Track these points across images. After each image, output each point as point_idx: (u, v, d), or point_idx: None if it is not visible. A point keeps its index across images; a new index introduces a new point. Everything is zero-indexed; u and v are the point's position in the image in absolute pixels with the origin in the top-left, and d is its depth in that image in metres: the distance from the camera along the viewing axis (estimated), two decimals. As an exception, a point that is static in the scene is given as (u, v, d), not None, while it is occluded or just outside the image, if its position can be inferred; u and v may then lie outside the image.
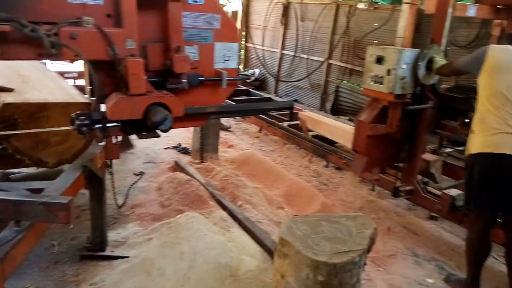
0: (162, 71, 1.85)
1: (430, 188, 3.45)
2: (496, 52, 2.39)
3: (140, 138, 1.86)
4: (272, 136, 5.81)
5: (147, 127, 1.79)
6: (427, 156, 3.71)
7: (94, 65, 1.67)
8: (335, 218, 2.28)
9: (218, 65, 2.02)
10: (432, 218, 3.62)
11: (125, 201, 3.53)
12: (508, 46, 2.45)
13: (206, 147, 4.50)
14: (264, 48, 9.02)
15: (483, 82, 2.41)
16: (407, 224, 3.48)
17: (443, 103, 3.21)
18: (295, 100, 8.15)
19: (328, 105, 7.54)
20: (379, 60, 3.10)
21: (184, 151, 4.95)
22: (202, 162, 4.46)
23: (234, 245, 2.87)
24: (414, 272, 2.85)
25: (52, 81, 2.83)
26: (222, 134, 5.36)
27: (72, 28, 1.58)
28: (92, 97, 1.84)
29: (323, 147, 4.67)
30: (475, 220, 2.56)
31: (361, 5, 6.28)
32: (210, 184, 3.81)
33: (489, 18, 3.99)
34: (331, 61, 7.43)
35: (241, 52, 9.87)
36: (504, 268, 2.91)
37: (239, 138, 5.83)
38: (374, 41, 6.14)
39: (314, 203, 3.80)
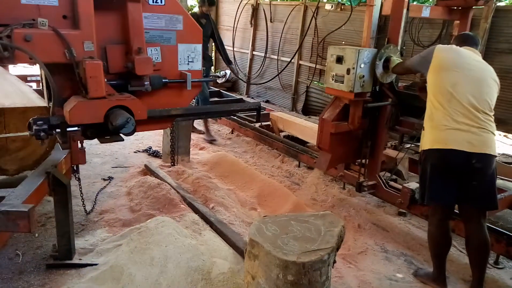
0: (123, 74, 1.81)
1: (391, 182, 3.58)
2: (441, 52, 2.51)
3: (102, 142, 1.82)
4: (244, 137, 5.81)
5: (109, 131, 1.75)
6: (393, 153, 3.81)
7: (51, 68, 1.62)
8: (305, 217, 2.29)
9: (183, 67, 2.00)
10: (400, 214, 3.70)
11: (93, 207, 3.44)
12: (453, 46, 2.59)
13: (177, 150, 4.44)
14: (235, 49, 9.01)
15: (431, 81, 2.51)
16: (377, 221, 3.54)
17: (401, 101, 3.33)
18: (267, 101, 8.19)
19: (299, 105, 7.61)
20: (339, 59, 3.19)
21: (155, 154, 4.88)
22: (173, 165, 4.41)
23: (206, 248, 2.84)
24: (384, 268, 2.91)
25: (11, 85, 2.71)
26: (194, 136, 5.32)
27: (25, 30, 1.53)
28: (49, 101, 1.78)
29: (294, 147, 4.71)
30: (432, 213, 2.66)
31: (328, 6, 6.37)
32: (181, 187, 3.76)
33: (443, 19, 4.15)
34: (301, 62, 7.50)
35: (212, 53, 9.83)
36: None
37: (211, 140, 5.80)
38: (342, 42, 6.24)
39: (286, 203, 3.81)
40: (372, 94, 3.36)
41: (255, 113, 2.42)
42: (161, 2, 1.83)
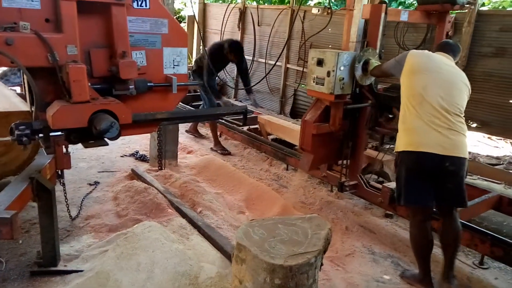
0: (108, 77, 1.80)
1: (372, 182, 3.66)
2: (413, 56, 2.60)
3: (86, 147, 1.79)
4: (232, 141, 5.80)
5: (93, 135, 1.73)
6: (374, 153, 3.85)
7: (34, 72, 1.60)
8: (292, 220, 2.29)
9: (168, 71, 2.00)
10: (387, 216, 3.73)
11: (78, 213, 3.39)
12: (425, 51, 2.68)
13: (164, 154, 4.41)
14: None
15: (404, 84, 2.59)
16: (364, 223, 3.56)
17: (380, 102, 3.40)
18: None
19: (287, 108, 7.63)
20: (320, 62, 3.25)
21: (142, 158, 4.83)
22: (160, 169, 4.37)
23: (194, 253, 2.82)
24: (371, 270, 2.92)
25: None
26: (181, 139, 5.29)
27: (6, 33, 1.51)
28: (32, 105, 1.75)
29: (282, 150, 4.71)
30: (413, 215, 2.71)
31: (315, 10, 6.41)
32: (168, 192, 3.73)
33: (422, 22, 4.22)
34: (288, 65, 7.53)
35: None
36: (460, 264, 3.06)
37: (199, 144, 5.77)
38: (329, 45, 6.28)
39: (274, 206, 3.81)
40: (353, 96, 3.44)
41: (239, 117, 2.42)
42: (146, 6, 1.82)
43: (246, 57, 8.32)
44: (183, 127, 6.10)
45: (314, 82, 3.33)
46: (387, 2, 3.54)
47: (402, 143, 2.57)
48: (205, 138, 5.97)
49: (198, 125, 6.12)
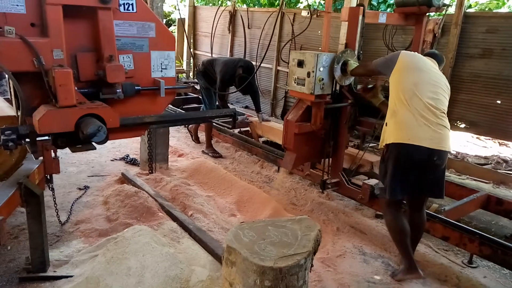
0: (95, 81, 1.79)
1: (354, 180, 3.75)
2: (405, 56, 2.72)
3: (73, 151, 1.78)
4: (223, 143, 5.80)
5: (80, 139, 1.72)
6: (355, 151, 3.96)
7: (20, 76, 1.59)
8: (282, 222, 2.29)
9: (156, 74, 1.99)
10: (377, 216, 3.75)
11: (68, 217, 3.36)
12: (416, 53, 2.84)
13: (155, 157, 4.40)
14: (213, 55, 9.01)
15: (394, 80, 2.70)
16: (355, 224, 3.58)
17: (359, 102, 3.49)
18: (246, 107, 8.20)
19: (278, 110, 7.65)
20: (300, 63, 3.33)
21: (132, 162, 4.81)
22: (151, 173, 4.36)
23: (185, 256, 2.82)
24: (362, 270, 2.93)
25: None
26: (172, 142, 5.27)
27: (-9, 38, 1.49)
28: (18, 110, 1.74)
29: (274, 152, 4.71)
30: (388, 205, 2.83)
31: (304, 13, 6.45)
32: (159, 195, 3.72)
33: (399, 24, 4.35)
34: (279, 68, 7.55)
35: (190, 60, 9.81)
36: (444, 260, 3.10)
37: (190, 147, 5.76)
38: (319, 48, 6.32)
39: (266, 208, 3.81)
40: (333, 96, 3.53)
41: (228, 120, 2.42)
42: (133, 10, 1.82)
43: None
44: (173, 130, 6.08)
45: (295, 82, 3.41)
46: (376, 4, 3.62)
47: (392, 135, 2.65)
48: (199, 143, 5.90)
49: (199, 130, 6.02)
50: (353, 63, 3.32)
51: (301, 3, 10.13)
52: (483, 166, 5.24)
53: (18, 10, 1.58)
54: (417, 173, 2.65)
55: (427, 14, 3.81)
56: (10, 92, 1.87)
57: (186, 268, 2.63)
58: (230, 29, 8.45)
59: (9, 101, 2.82)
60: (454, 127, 5.24)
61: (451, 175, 4.99)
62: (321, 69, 3.26)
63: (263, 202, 3.91)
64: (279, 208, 3.78)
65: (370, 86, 3.23)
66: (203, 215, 3.50)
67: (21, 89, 1.59)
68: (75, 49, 1.73)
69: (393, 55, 2.79)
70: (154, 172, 4.38)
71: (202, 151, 5.50)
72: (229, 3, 9.15)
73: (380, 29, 5.49)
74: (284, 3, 7.63)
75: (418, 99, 2.57)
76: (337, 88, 3.54)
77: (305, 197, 4.16)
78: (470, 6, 8.26)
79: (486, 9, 8.25)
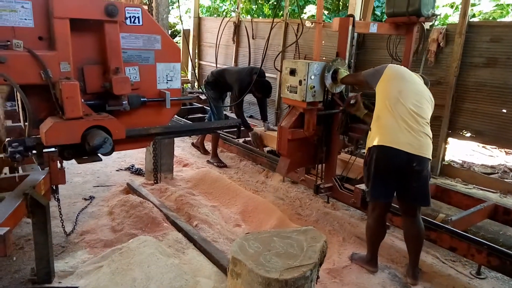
0: (101, 93, 1.81)
1: (347, 185, 3.86)
2: (392, 68, 2.88)
3: (79, 162, 1.79)
4: (228, 153, 5.81)
5: (87, 151, 1.73)
6: (347, 157, 4.07)
7: (27, 89, 1.60)
8: (287, 233, 2.28)
9: (161, 86, 2.01)
10: (384, 226, 3.72)
11: (73, 228, 3.37)
12: (402, 66, 3.01)
13: (160, 167, 4.41)
14: (218, 65, 9.06)
15: (381, 89, 2.83)
16: (360, 234, 3.55)
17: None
18: (250, 116, 8.22)
19: (283, 120, 7.65)
20: (292, 72, 3.47)
21: (138, 172, 4.82)
22: (156, 183, 4.36)
23: (189, 267, 2.81)
24: (368, 282, 2.90)
25: None
26: (177, 152, 5.29)
27: (-1, 51, 1.52)
28: (25, 122, 1.75)
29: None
30: (373, 209, 2.94)
31: (308, 24, 6.50)
32: (164, 205, 3.72)
33: (391, 34, 4.57)
34: (284, 77, 7.57)
35: (195, 71, 9.87)
36: (451, 271, 3.06)
37: (195, 156, 5.77)
38: (323, 58, 6.34)
39: (271, 218, 3.80)
40: (325, 103, 3.64)
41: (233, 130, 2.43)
42: (139, 23, 1.84)
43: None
44: (178, 140, 6.10)
45: (288, 90, 3.54)
46: (380, 14, 3.70)
47: (375, 139, 2.77)
48: (208, 154, 5.79)
49: (205, 141, 5.99)
50: (343, 72, 3.43)
51: (305, 13, 10.21)
52: (490, 175, 5.19)
53: (26, 24, 1.61)
54: (398, 177, 2.74)
55: (423, 23, 3.98)
56: (18, 104, 1.89)
57: (191, 279, 2.62)
58: (235, 40, 8.51)
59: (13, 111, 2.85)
60: (459, 136, 5.22)
61: (457, 185, 4.95)
62: (312, 77, 3.38)
63: (268, 212, 3.89)
64: (284, 218, 3.76)
65: (352, 102, 3.34)
66: (208, 225, 3.49)
67: (28, 102, 1.61)
68: (82, 62, 1.75)
69: (381, 67, 2.92)
70: (159, 182, 4.39)
71: (207, 160, 5.51)
72: (233, 14, 9.24)
73: (384, 39, 5.50)
74: (288, 13, 7.67)
75: (402, 105, 2.68)
76: (329, 95, 3.65)
77: (310, 207, 4.14)
78: (474, 16, 8.27)
79: (490, 18, 8.26)
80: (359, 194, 3.53)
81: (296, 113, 3.65)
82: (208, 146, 5.84)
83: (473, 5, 8.17)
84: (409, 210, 2.88)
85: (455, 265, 3.16)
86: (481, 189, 4.83)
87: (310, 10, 10.12)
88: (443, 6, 9.06)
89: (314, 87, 3.41)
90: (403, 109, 2.67)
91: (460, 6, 5.48)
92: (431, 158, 2.75)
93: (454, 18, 8.61)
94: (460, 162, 5.83)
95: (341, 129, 3.65)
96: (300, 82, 3.39)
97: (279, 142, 3.74)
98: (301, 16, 9.89)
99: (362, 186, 3.49)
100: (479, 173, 5.22)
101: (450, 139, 5.31)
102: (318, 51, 3.54)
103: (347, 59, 3.58)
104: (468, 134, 5.14)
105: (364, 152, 3.94)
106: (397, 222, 3.33)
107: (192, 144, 6.03)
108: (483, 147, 6.50)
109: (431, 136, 2.75)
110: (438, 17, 4.27)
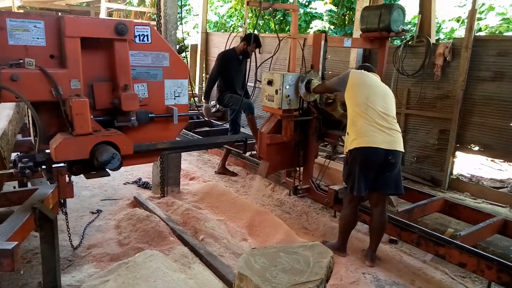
0: (110, 110, 1.84)
1: (322, 186, 4.23)
2: (354, 74, 3.22)
3: (87, 178, 1.82)
4: (235, 167, 5.81)
5: (95, 166, 1.75)
6: (323, 161, 4.30)
7: (38, 106, 1.64)
8: (293, 248, 2.27)
9: (169, 102, 2.04)
10: (392, 242, 3.69)
11: (80, 242, 3.38)
12: (363, 71, 3.31)
13: (167, 181, 4.42)
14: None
15: (349, 96, 3.16)
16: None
17: (323, 116, 3.94)
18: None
19: (290, 133, 7.67)
20: (269, 82, 3.81)
21: (145, 185, 4.84)
22: (163, 196, 4.38)
23: (195, 282, 2.79)
24: (376, 297, 2.87)
25: None
26: (184, 166, 5.31)
27: (12, 70, 1.56)
28: (35, 137, 1.78)
29: (285, 175, 4.72)
30: (349, 201, 3.30)
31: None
32: (171, 219, 3.72)
33: (364, 48, 5.05)
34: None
35: (202, 85, 9.96)
36: None
37: (202, 170, 5.79)
38: (329, 72, 6.37)
39: (277, 232, 3.78)
40: (303, 110, 3.99)
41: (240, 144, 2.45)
42: (148, 41, 1.88)
43: (248, 83, 8.45)
44: (185, 154, 6.12)
45: (266, 99, 3.89)
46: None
47: (353, 143, 3.09)
48: (237, 175, 5.61)
49: (226, 163, 5.71)
50: (316, 82, 3.73)
51: (311, 28, 10.30)
52: (499, 190, 5.13)
53: (39, 43, 1.65)
54: (375, 171, 3.08)
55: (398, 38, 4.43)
56: (28, 120, 1.92)
57: (197, 294, 2.61)
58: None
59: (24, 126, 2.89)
60: (467, 149, 5.19)
61: (466, 199, 4.90)
62: (287, 87, 3.72)
63: (274, 226, 3.88)
64: (291, 233, 3.74)
65: (330, 101, 3.73)
66: (214, 239, 3.49)
67: (39, 118, 1.64)
68: (91, 79, 1.79)
69: (344, 75, 3.24)
70: (166, 195, 4.40)
71: (215, 171, 5.53)
72: (240, 29, 9.35)
73: (390, 53, 5.53)
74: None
75: (372, 110, 3.01)
76: (305, 104, 3.98)
77: (317, 221, 4.11)
78: (480, 30, 8.28)
79: (497, 32, 8.27)
80: (332, 194, 3.89)
81: (275, 120, 3.98)
82: (213, 159, 5.83)
83: (479, 19, 8.20)
84: (379, 201, 3.23)
85: (464, 281, 3.11)
86: (490, 204, 4.77)
87: (317, 25, 10.21)
88: (449, 20, 9.10)
89: (289, 96, 3.75)
90: (373, 112, 3.01)
91: (466, 20, 5.50)
92: (403, 150, 3.12)
93: (460, 32, 8.64)
94: (469, 176, 5.78)
95: (316, 135, 3.98)
96: (276, 91, 3.73)
97: (259, 146, 4.10)
98: (307, 31, 9.98)
99: (335, 187, 3.90)
100: (488, 187, 5.17)
101: (458, 153, 5.28)
102: (294, 63, 4.48)
103: (321, 70, 3.92)
104: (476, 148, 5.11)
105: (341, 156, 4.19)
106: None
107: (216, 172, 5.64)
108: (491, 160, 6.45)
109: (400, 131, 3.14)
110: (408, 32, 4.68)
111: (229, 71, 5.13)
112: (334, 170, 4.51)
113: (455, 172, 5.48)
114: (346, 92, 3.17)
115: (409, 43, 5.51)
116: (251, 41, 4.75)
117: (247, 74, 5.57)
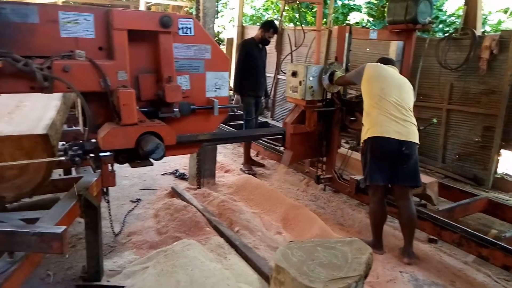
0: (154, 101, 1.88)
1: (344, 176, 4.29)
2: (370, 67, 3.28)
3: (132, 167, 1.87)
4: (269, 160, 5.82)
5: (140, 156, 1.80)
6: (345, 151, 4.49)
7: (87, 96, 1.70)
8: (331, 243, 2.25)
9: (210, 94, 2.06)
10: (431, 241, 3.58)
11: (121, 229, 3.50)
12: (379, 63, 3.35)
13: (203, 173, 4.49)
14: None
15: (365, 89, 3.25)
16: (405, 247, 3.43)
17: (347, 107, 3.97)
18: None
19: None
20: (294, 74, 3.89)
21: (181, 176, 4.94)
22: (199, 188, 4.45)
23: (231, 273, 2.83)
24: (414, 297, 2.81)
25: (41, 111, 2.65)
26: (219, 158, 5.37)
27: (64, 61, 1.62)
28: (84, 127, 1.86)
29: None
30: (373, 193, 3.33)
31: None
32: (207, 210, 3.79)
33: (390, 40, 5.09)
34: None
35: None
36: None
37: (237, 163, 5.83)
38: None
39: (312, 227, 3.76)
40: (326, 101, 4.04)
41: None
42: (191, 33, 1.91)
43: (282, 77, 8.41)
44: (220, 146, 6.18)
45: (290, 90, 3.98)
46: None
47: (368, 133, 3.17)
48: (264, 166, 5.68)
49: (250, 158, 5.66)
50: (339, 74, 3.79)
51: (349, 20, 10.10)
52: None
53: (88, 35, 1.71)
54: (391, 162, 3.12)
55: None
56: (78, 110, 2.00)
57: (233, 284, 2.64)
58: (277, 48, 8.55)
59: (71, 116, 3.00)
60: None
61: (511, 199, 4.68)
62: (311, 78, 3.81)
63: (309, 221, 3.86)
64: (326, 228, 3.70)
65: (353, 119, 3.86)
66: (249, 231, 3.51)
67: (88, 108, 1.70)
68: (137, 71, 1.83)
69: (361, 68, 3.32)
70: (202, 187, 4.47)
71: (240, 168, 5.51)
72: (276, 22, 9.29)
73: (432, 47, 5.33)
74: (332, 21, 7.62)
75: (386, 101, 3.08)
76: (329, 95, 4.05)
77: (353, 217, 4.06)
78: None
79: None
80: (353, 184, 3.92)
81: (299, 110, 4.04)
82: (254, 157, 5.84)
83: (530, 10, 7.74)
84: (401, 193, 3.23)
85: (509, 285, 2.98)
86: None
87: (355, 17, 10.00)
88: (496, 11, 8.64)
89: (312, 87, 3.84)
90: (387, 103, 3.08)
91: (515, 12, 5.21)
92: (418, 143, 3.14)
93: (508, 24, 8.20)
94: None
95: (339, 125, 4.05)
96: (300, 82, 3.81)
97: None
98: (345, 23, 9.78)
99: (357, 177, 3.92)
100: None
101: (503, 151, 5.03)
102: (318, 56, 4.55)
103: (344, 62, 3.97)
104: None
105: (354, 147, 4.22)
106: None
107: (241, 170, 5.53)
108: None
109: (415, 124, 3.17)
110: (433, 24, 4.63)
111: (251, 57, 5.20)
112: (357, 161, 4.43)
113: (499, 171, 5.24)
114: (362, 85, 3.26)
115: (453, 35, 5.29)
116: (268, 28, 5.00)
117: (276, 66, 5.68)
